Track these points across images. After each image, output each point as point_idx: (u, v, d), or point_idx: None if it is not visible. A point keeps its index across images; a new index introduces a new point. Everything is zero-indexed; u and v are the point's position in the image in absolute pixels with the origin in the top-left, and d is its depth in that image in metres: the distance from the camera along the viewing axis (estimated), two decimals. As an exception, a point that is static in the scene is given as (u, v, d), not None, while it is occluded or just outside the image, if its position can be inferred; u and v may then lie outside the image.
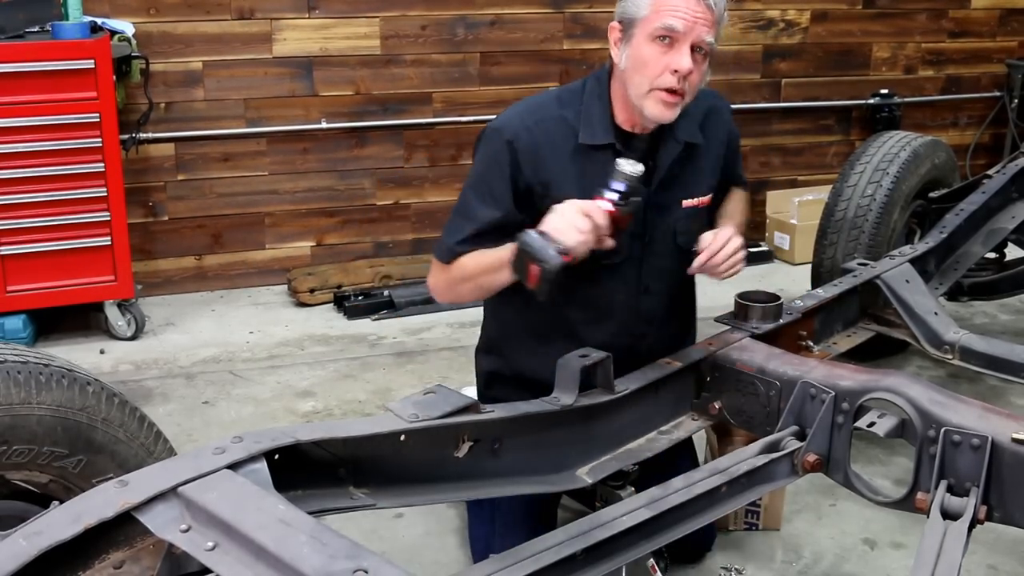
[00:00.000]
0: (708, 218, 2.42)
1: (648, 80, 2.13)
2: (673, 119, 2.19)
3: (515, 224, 2.15)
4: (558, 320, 2.34)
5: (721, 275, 2.25)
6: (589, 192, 2.10)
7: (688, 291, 2.52)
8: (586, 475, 2.06)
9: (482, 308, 2.57)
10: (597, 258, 2.16)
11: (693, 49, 2.11)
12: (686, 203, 2.34)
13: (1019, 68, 5.81)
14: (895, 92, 5.58)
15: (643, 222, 2.28)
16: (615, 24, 2.21)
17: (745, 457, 1.94)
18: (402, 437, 1.71)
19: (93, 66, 3.76)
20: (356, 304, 4.45)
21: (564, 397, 1.99)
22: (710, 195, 2.40)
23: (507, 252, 2.09)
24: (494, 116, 5.33)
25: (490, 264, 2.18)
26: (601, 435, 2.09)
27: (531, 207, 2.21)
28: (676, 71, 2.11)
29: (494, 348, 2.52)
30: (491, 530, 2.47)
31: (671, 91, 2.13)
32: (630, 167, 2.06)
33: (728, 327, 2.42)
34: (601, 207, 2.04)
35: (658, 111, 2.15)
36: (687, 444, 2.50)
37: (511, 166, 2.22)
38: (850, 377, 2.05)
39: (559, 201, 2.09)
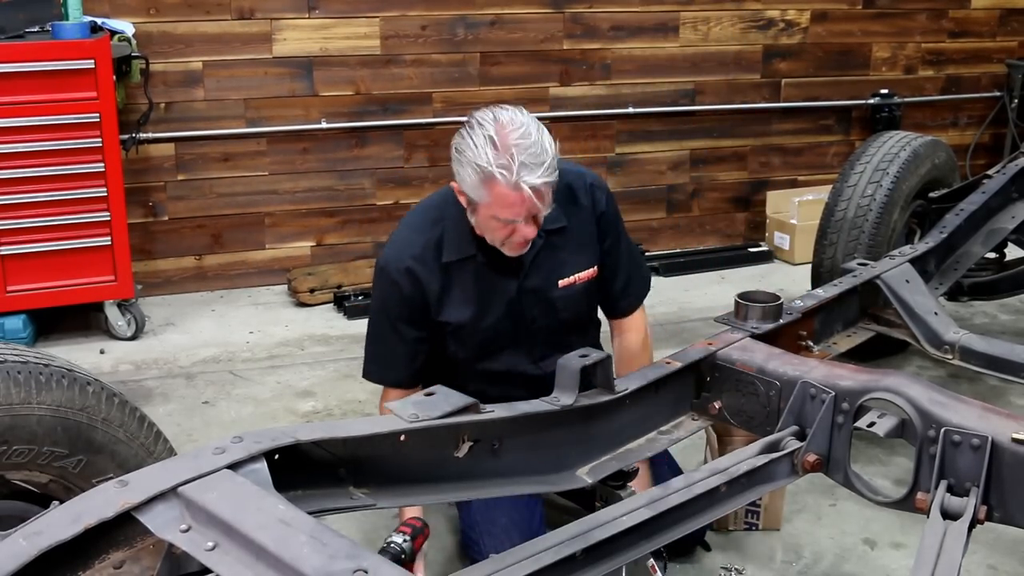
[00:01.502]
0: (598, 287, 2.59)
1: (499, 241, 2.34)
2: (526, 251, 2.39)
3: (425, 341, 2.49)
4: (478, 386, 2.47)
5: None
6: (467, 302, 2.43)
7: (590, 342, 2.63)
8: (586, 475, 2.05)
9: None
10: (486, 344, 2.48)
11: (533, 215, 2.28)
12: (562, 283, 2.51)
13: (1019, 68, 5.81)
14: (895, 92, 5.58)
15: (520, 308, 2.48)
16: (456, 185, 2.33)
17: (745, 457, 1.94)
18: (402, 437, 1.71)
19: (93, 66, 3.76)
20: (356, 304, 4.44)
21: (564, 397, 1.99)
22: (592, 269, 2.55)
23: None
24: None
25: None
26: (601, 435, 2.09)
27: (430, 323, 2.47)
28: (524, 239, 2.32)
29: None
30: (482, 532, 2.49)
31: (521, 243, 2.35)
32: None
33: (728, 327, 2.42)
34: None
35: (513, 253, 2.38)
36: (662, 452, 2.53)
37: (399, 304, 2.45)
38: (850, 377, 2.05)
39: (448, 313, 2.43)
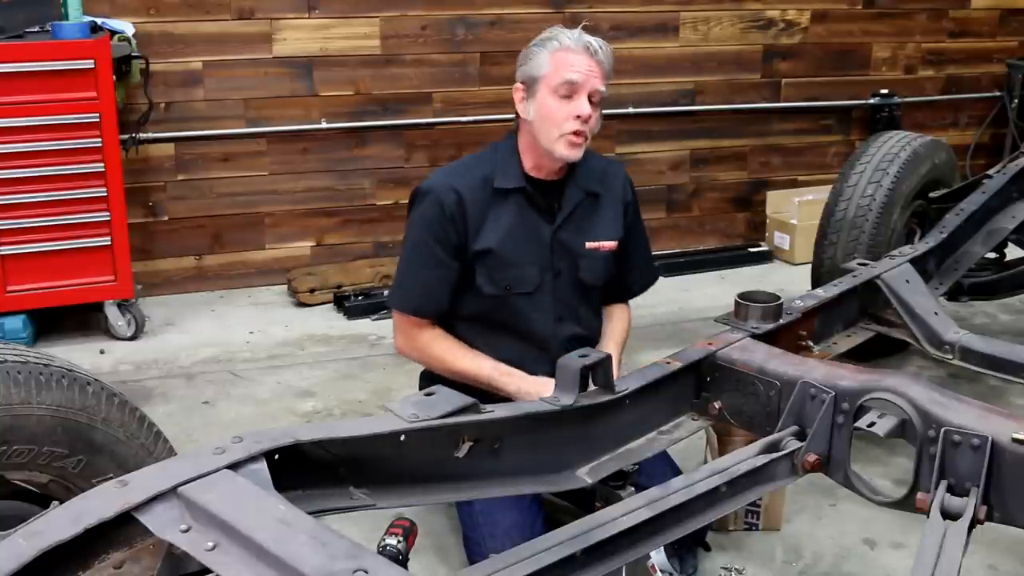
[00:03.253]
0: (614, 263, 2.73)
1: (556, 127, 2.48)
2: (579, 158, 2.53)
3: (457, 272, 2.57)
4: (490, 348, 2.61)
5: None
6: (506, 233, 2.54)
7: (597, 321, 2.80)
8: (586, 475, 2.05)
9: None
10: (511, 287, 2.58)
11: (589, 97, 2.47)
12: (589, 245, 2.65)
13: (1019, 68, 5.81)
14: (895, 92, 5.58)
15: (550, 256, 2.61)
16: (519, 85, 2.55)
17: (745, 457, 1.94)
18: (402, 437, 1.71)
19: (93, 66, 3.76)
20: (356, 304, 4.45)
21: (564, 397, 1.99)
22: (614, 242, 2.70)
23: (498, 378, 2.53)
24: (495, 116, 5.36)
25: (474, 375, 2.55)
26: (601, 435, 2.09)
27: (464, 256, 2.56)
28: (579, 116, 2.46)
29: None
30: (483, 533, 2.49)
31: (576, 133, 2.48)
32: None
33: (728, 327, 2.42)
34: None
35: (567, 152, 2.50)
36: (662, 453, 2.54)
37: (441, 223, 2.53)
38: (850, 377, 2.05)
39: (484, 238, 2.53)
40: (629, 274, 2.82)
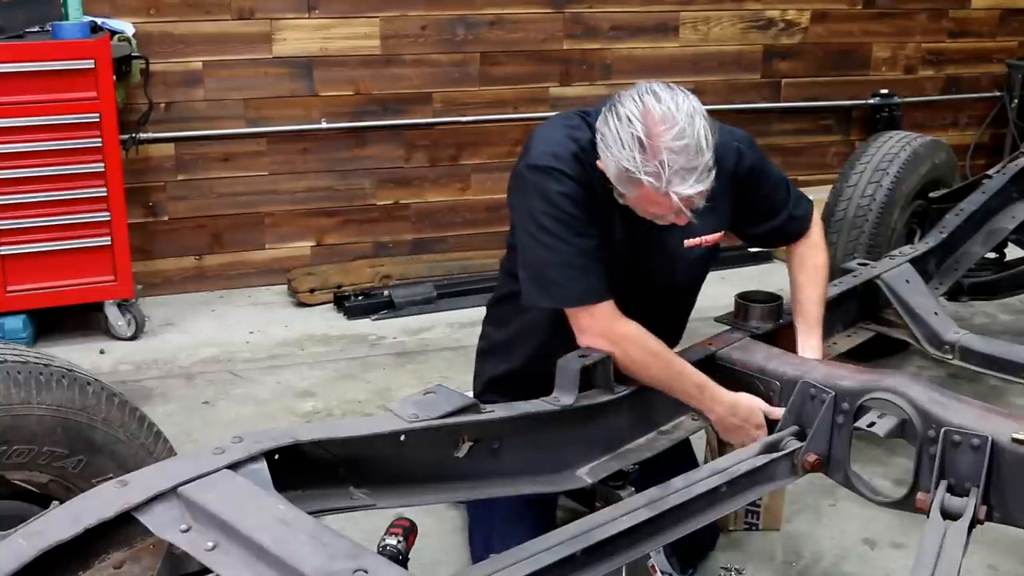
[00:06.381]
0: (715, 254, 2.43)
1: (654, 218, 2.13)
2: None
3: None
4: (570, 336, 2.23)
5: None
6: (602, 230, 2.18)
7: (685, 318, 2.54)
8: (586, 475, 2.06)
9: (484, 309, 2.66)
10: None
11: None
12: (688, 243, 2.33)
13: (1019, 68, 5.81)
14: (895, 92, 5.58)
15: (641, 254, 2.29)
16: (600, 164, 2.11)
17: (745, 457, 1.95)
18: (402, 437, 1.72)
19: (93, 66, 3.76)
20: (356, 304, 4.44)
21: (564, 397, 2.00)
22: (718, 233, 2.37)
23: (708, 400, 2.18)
24: (495, 116, 5.32)
25: (686, 392, 2.19)
26: (601, 435, 2.09)
27: (596, 213, 2.19)
28: (674, 224, 2.12)
29: (499, 350, 2.56)
30: (491, 530, 2.48)
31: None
32: None
33: (728, 327, 2.43)
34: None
35: (670, 223, 2.14)
36: (685, 445, 2.51)
37: (576, 194, 2.15)
38: (850, 377, 2.05)
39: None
40: (784, 216, 2.48)
